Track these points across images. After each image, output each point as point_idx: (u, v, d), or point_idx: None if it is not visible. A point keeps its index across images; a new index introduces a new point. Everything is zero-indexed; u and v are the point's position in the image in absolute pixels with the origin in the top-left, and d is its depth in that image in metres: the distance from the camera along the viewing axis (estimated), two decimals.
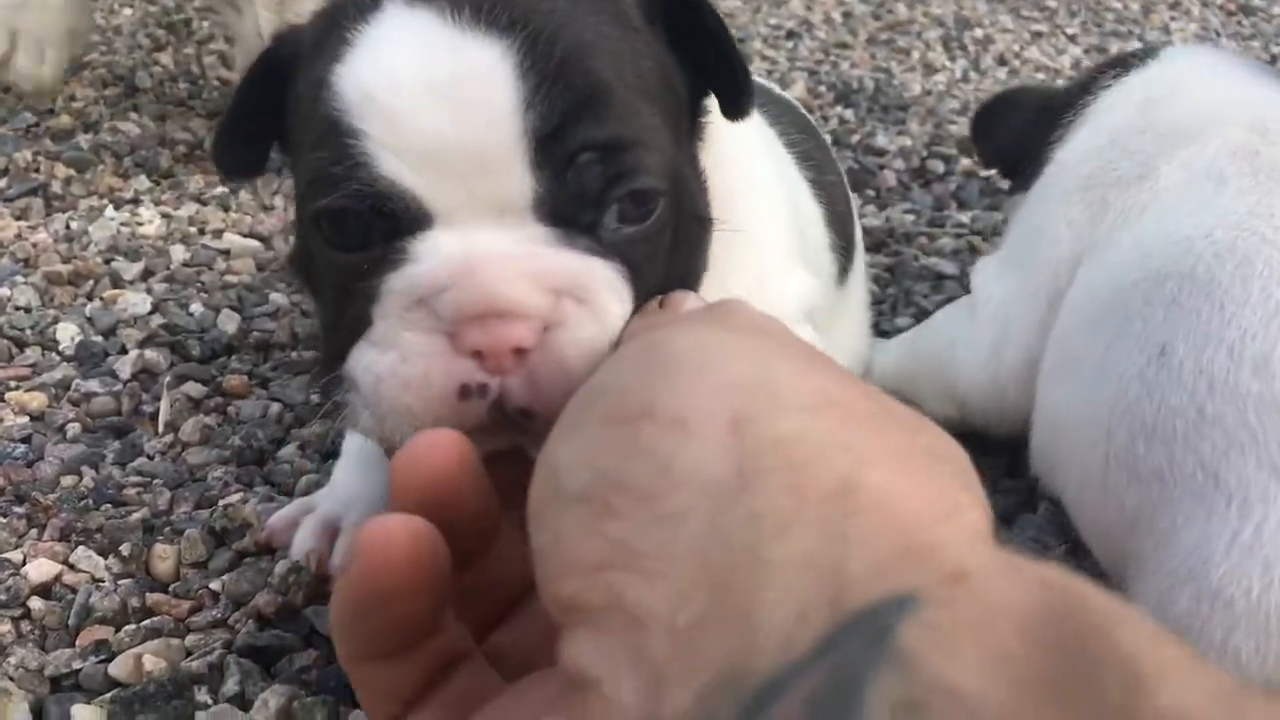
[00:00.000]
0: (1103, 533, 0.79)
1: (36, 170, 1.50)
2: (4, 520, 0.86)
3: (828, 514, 0.34)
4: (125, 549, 0.83)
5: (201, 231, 1.36)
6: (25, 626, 0.78)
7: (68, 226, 1.35)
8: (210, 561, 0.83)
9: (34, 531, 0.86)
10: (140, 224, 1.36)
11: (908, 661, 0.29)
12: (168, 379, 1.06)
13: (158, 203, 1.43)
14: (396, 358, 0.54)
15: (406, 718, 0.49)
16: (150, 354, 1.09)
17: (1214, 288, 0.74)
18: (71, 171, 1.51)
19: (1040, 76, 2.04)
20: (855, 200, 1.48)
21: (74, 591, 0.80)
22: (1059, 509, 0.86)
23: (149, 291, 1.21)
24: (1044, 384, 0.90)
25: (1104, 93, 1.06)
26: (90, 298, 1.20)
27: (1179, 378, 0.73)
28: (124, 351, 1.10)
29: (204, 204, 1.43)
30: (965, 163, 1.62)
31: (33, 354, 1.10)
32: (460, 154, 0.54)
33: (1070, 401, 0.84)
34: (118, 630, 0.76)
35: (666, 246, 0.60)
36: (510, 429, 0.54)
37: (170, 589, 0.80)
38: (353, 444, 0.86)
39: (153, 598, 0.79)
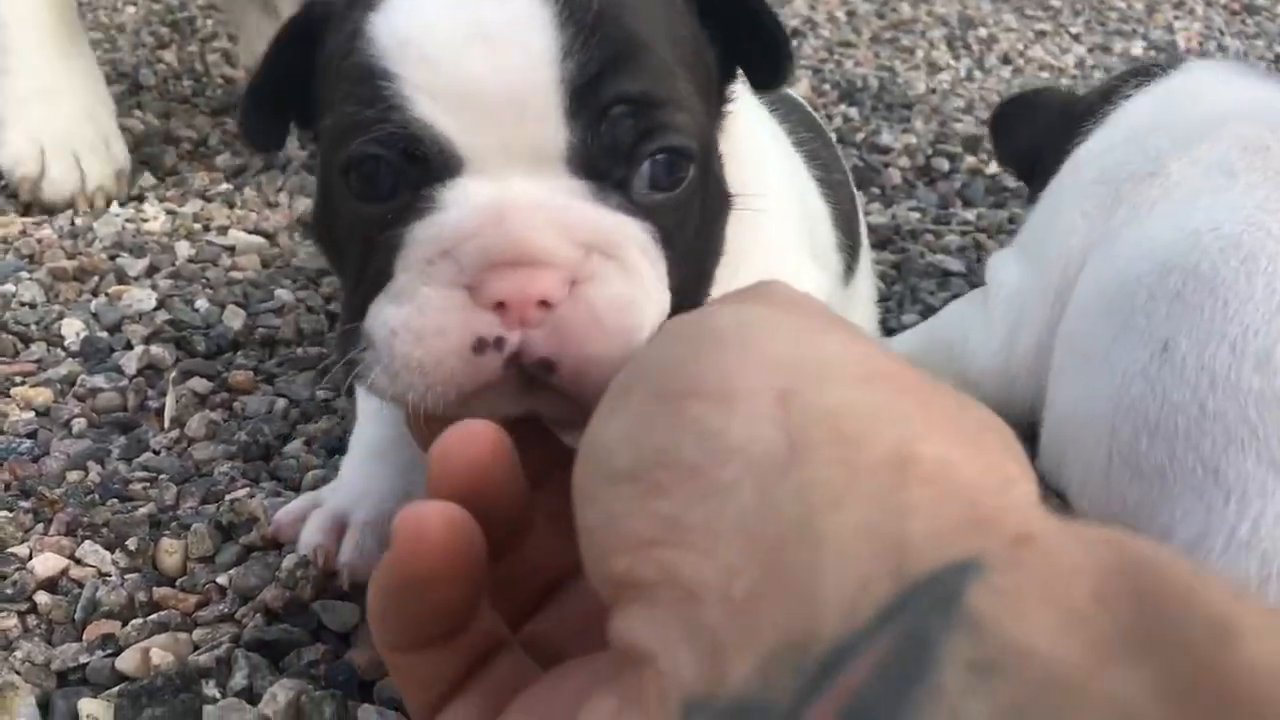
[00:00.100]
0: None
1: None
2: (10, 515, 0.86)
3: (883, 485, 0.34)
4: (132, 543, 0.82)
5: (206, 228, 1.36)
6: (32, 621, 0.78)
7: (72, 223, 1.35)
8: (217, 556, 0.82)
9: (40, 526, 0.86)
10: (145, 220, 1.36)
11: (979, 624, 0.29)
12: (173, 375, 1.06)
13: (162, 199, 1.43)
14: (413, 311, 0.53)
15: (445, 707, 0.49)
16: (156, 350, 1.09)
17: (1218, 283, 0.74)
18: None
19: (1044, 75, 2.04)
20: (861, 198, 1.48)
21: (80, 586, 0.80)
22: (1065, 504, 0.86)
23: (154, 288, 1.20)
24: (1053, 379, 0.90)
25: (1126, 102, 1.06)
26: (95, 294, 1.20)
27: (1181, 374, 0.73)
28: (129, 347, 1.10)
29: (208, 201, 1.43)
30: (970, 160, 1.62)
31: (38, 349, 1.10)
32: (496, 98, 0.54)
33: (1075, 397, 0.84)
34: (124, 624, 0.76)
35: (695, 219, 0.59)
36: (524, 390, 0.53)
37: (177, 583, 0.80)
38: (360, 439, 0.86)
39: (160, 592, 0.78)
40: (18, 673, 0.72)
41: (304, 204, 1.42)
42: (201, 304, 1.18)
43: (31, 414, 1.01)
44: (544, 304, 0.52)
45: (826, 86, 1.92)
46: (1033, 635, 0.28)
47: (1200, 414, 0.71)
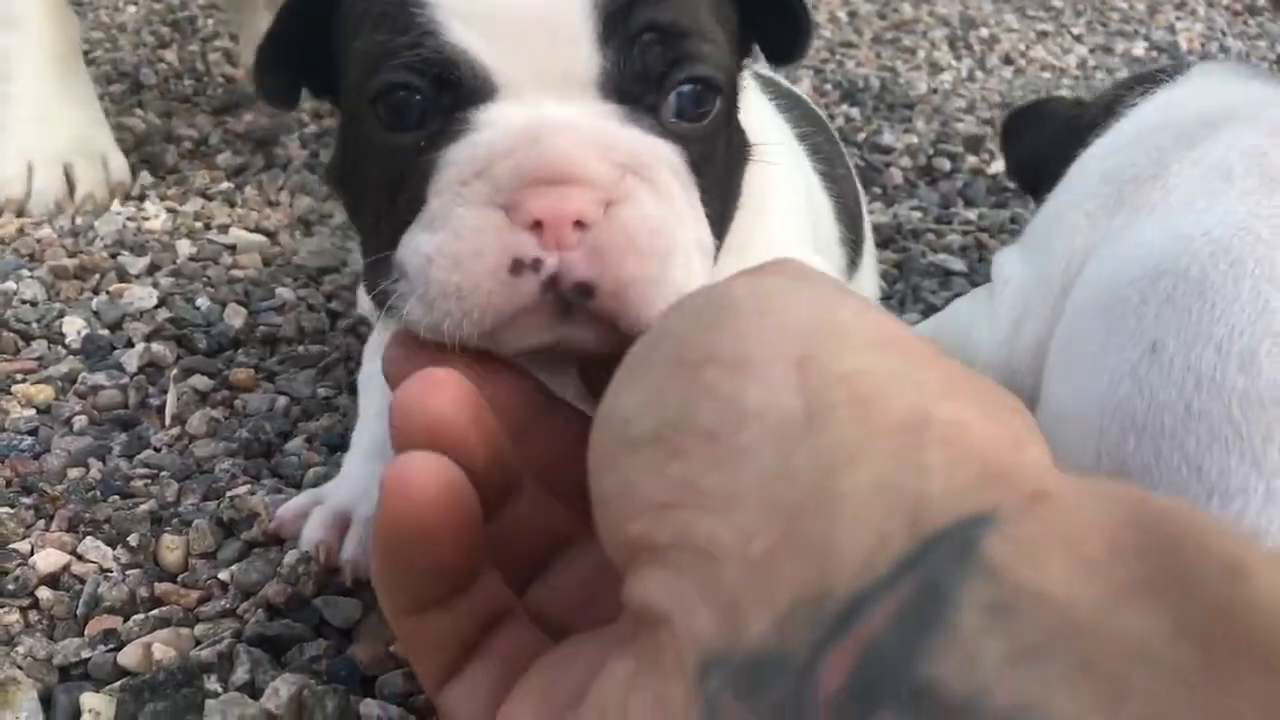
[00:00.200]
0: None
1: None
2: (12, 511, 0.86)
3: (900, 444, 0.34)
4: (133, 539, 0.82)
5: (207, 226, 1.36)
6: (34, 616, 0.78)
7: (73, 221, 1.35)
8: (219, 552, 0.82)
9: (42, 522, 0.86)
10: (146, 219, 1.36)
11: (995, 570, 0.29)
12: (174, 372, 1.05)
13: (163, 198, 1.43)
14: (448, 235, 0.53)
15: (454, 677, 0.49)
16: (157, 347, 1.08)
17: (1206, 286, 0.75)
18: None
19: (1046, 76, 2.04)
20: (863, 197, 1.48)
21: (82, 582, 0.80)
22: None
23: (155, 286, 1.20)
24: (1046, 377, 0.90)
25: (1131, 110, 1.06)
26: (96, 292, 1.20)
27: (1169, 374, 0.73)
28: (130, 345, 1.10)
29: (209, 199, 1.43)
30: (971, 160, 1.62)
31: (39, 347, 1.10)
32: (529, 23, 0.54)
33: (1066, 396, 0.85)
34: (126, 620, 0.76)
35: (720, 158, 0.59)
36: (558, 318, 0.53)
37: (179, 579, 0.80)
38: (362, 436, 0.86)
39: (161, 587, 0.78)
40: (20, 668, 0.72)
41: (305, 203, 1.42)
42: (203, 302, 1.17)
43: (32, 411, 1.00)
44: (580, 225, 0.52)
45: (828, 86, 1.92)
46: (1048, 580, 0.29)
47: (1186, 413, 0.71)
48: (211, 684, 0.70)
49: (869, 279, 1.11)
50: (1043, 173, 1.10)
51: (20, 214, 1.36)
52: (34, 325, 1.13)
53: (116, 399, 1.03)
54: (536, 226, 0.51)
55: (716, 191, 0.61)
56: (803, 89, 1.87)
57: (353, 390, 0.98)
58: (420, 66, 0.55)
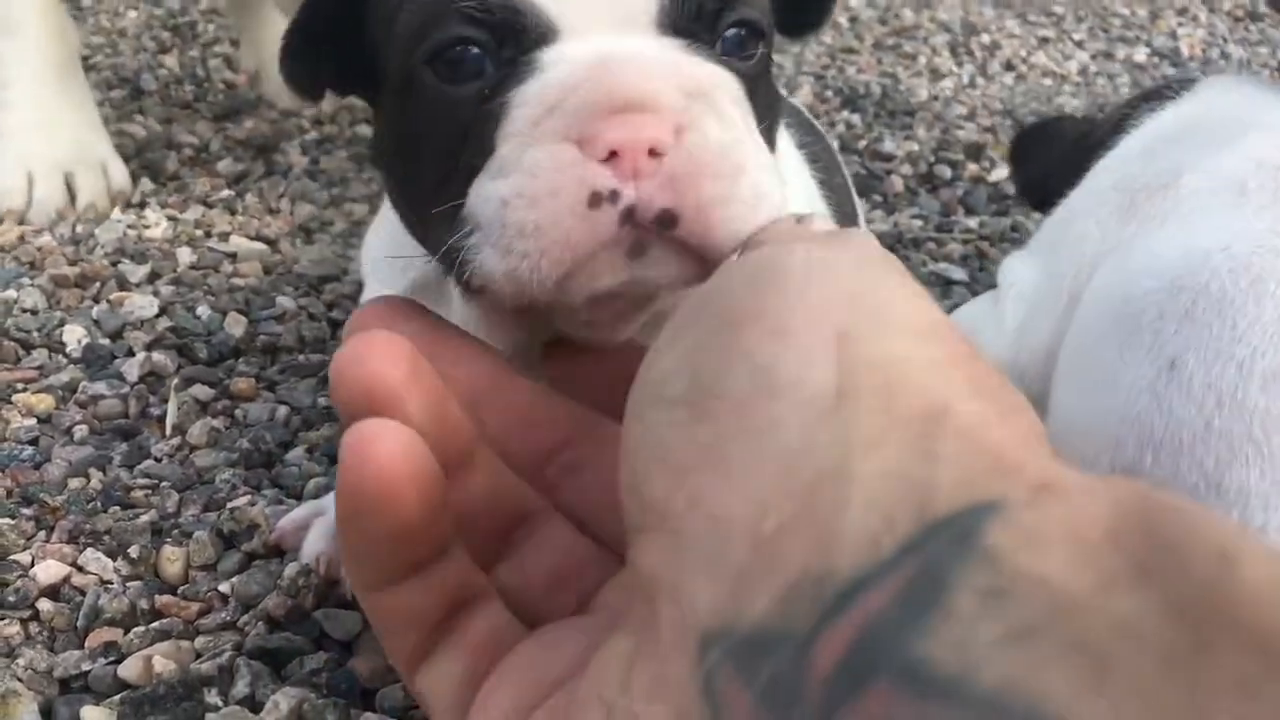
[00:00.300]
0: None
1: None
2: (12, 522, 0.85)
3: (917, 434, 0.35)
4: (134, 551, 0.82)
5: (208, 234, 1.36)
6: (34, 628, 0.78)
7: (74, 229, 1.34)
8: (219, 564, 0.82)
9: (42, 534, 0.86)
10: (147, 227, 1.36)
11: (994, 556, 0.30)
12: (175, 382, 1.05)
13: (164, 205, 1.43)
14: (522, 176, 0.52)
15: (427, 659, 0.49)
16: (157, 356, 1.08)
17: (1226, 304, 0.74)
18: None
19: (1047, 82, 2.04)
20: (863, 205, 1.48)
21: (82, 593, 0.80)
22: None
23: (156, 294, 1.20)
24: (1055, 386, 0.90)
25: (1137, 130, 1.06)
26: (97, 300, 1.20)
27: (1188, 391, 0.73)
28: (131, 354, 1.10)
29: (210, 207, 1.43)
30: (972, 168, 1.62)
31: (39, 356, 1.10)
32: None
33: (1079, 408, 0.84)
34: (126, 632, 0.76)
35: (761, 103, 0.60)
36: (633, 255, 0.52)
37: (179, 591, 0.80)
38: None
39: (161, 600, 0.78)
40: (20, 680, 0.72)
41: (306, 210, 1.42)
42: (203, 311, 1.17)
43: (33, 421, 1.00)
44: (654, 154, 0.51)
45: (829, 93, 1.92)
46: (1046, 566, 0.30)
47: (1205, 431, 0.71)
48: (212, 697, 0.70)
49: None
50: (1052, 192, 1.10)
51: (21, 222, 1.36)
52: (34, 334, 1.13)
53: (117, 408, 1.03)
54: (612, 158, 0.51)
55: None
56: (803, 95, 1.87)
57: None
58: (481, 18, 0.55)
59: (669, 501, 0.38)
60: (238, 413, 1.03)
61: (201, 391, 1.05)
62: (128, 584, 0.80)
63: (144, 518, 0.87)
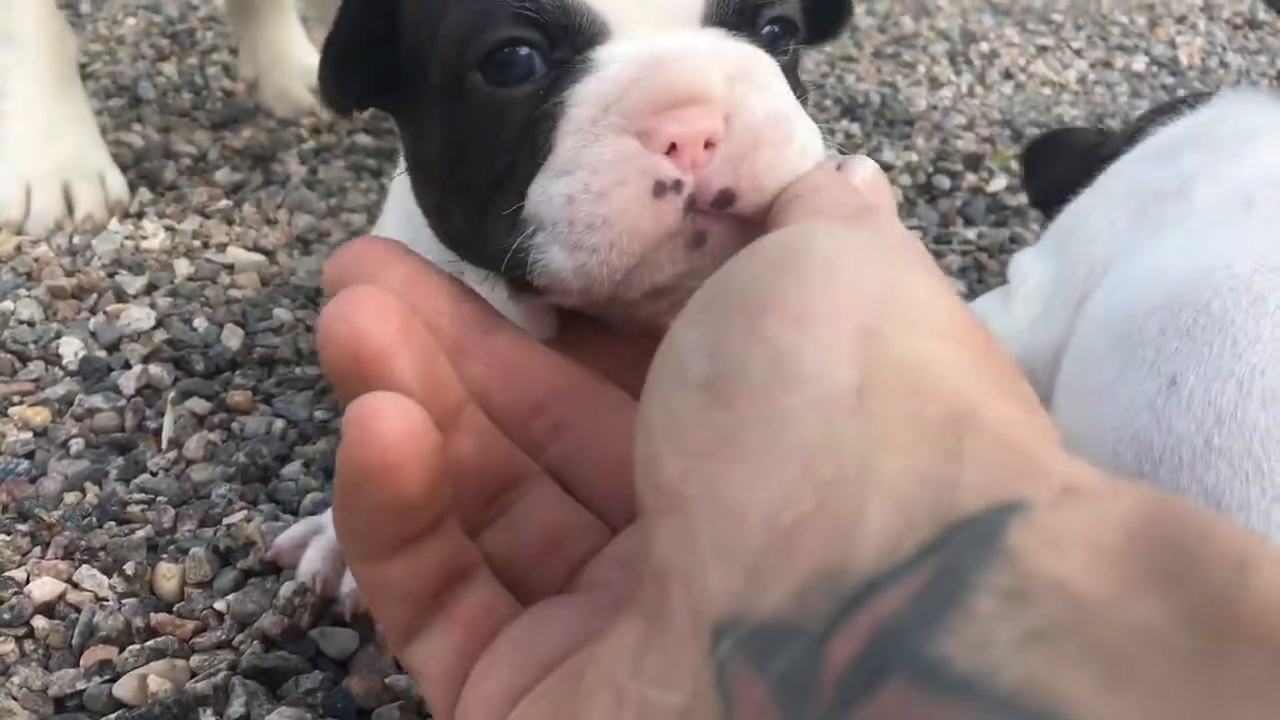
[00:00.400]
0: None
1: None
2: (7, 538, 0.85)
3: (942, 433, 0.34)
4: (129, 568, 0.82)
5: (205, 245, 1.35)
6: (29, 646, 0.77)
7: (71, 240, 1.34)
8: (215, 581, 0.82)
9: (37, 549, 0.86)
10: (144, 238, 1.36)
11: (1015, 557, 0.30)
12: (171, 395, 1.05)
13: (161, 215, 1.43)
14: (586, 173, 0.53)
15: (419, 633, 0.48)
16: (154, 369, 1.08)
17: (1227, 322, 0.75)
18: None
19: (1046, 91, 2.04)
20: None
21: (78, 611, 0.80)
22: None
23: (153, 306, 1.20)
24: (1056, 394, 0.90)
25: (1154, 135, 1.07)
26: (94, 312, 1.20)
27: (1188, 408, 0.74)
28: (128, 367, 1.10)
29: (207, 217, 1.43)
30: (971, 178, 1.62)
31: (36, 369, 1.10)
32: None
33: (1078, 419, 0.85)
34: (122, 650, 0.76)
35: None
36: (692, 245, 0.54)
37: (175, 609, 0.80)
38: None
39: (157, 618, 0.78)
40: (15, 699, 0.72)
41: (303, 221, 1.41)
42: (200, 323, 1.17)
43: (29, 434, 1.00)
44: (708, 144, 0.53)
45: (828, 102, 1.92)
46: (1066, 569, 0.29)
47: (1205, 447, 0.72)
48: (207, 717, 0.70)
49: None
50: (1064, 203, 1.11)
51: (18, 233, 1.36)
52: (31, 346, 1.12)
53: (113, 422, 1.02)
54: (671, 150, 0.53)
55: None
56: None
57: None
58: (533, 19, 0.56)
59: (683, 485, 0.37)
60: (234, 426, 1.03)
61: (198, 405, 1.04)
62: (123, 601, 0.80)
63: (140, 533, 0.86)
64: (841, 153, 1.45)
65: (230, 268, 1.30)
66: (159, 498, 0.92)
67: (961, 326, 0.40)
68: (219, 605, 0.79)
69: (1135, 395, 0.77)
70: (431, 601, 0.48)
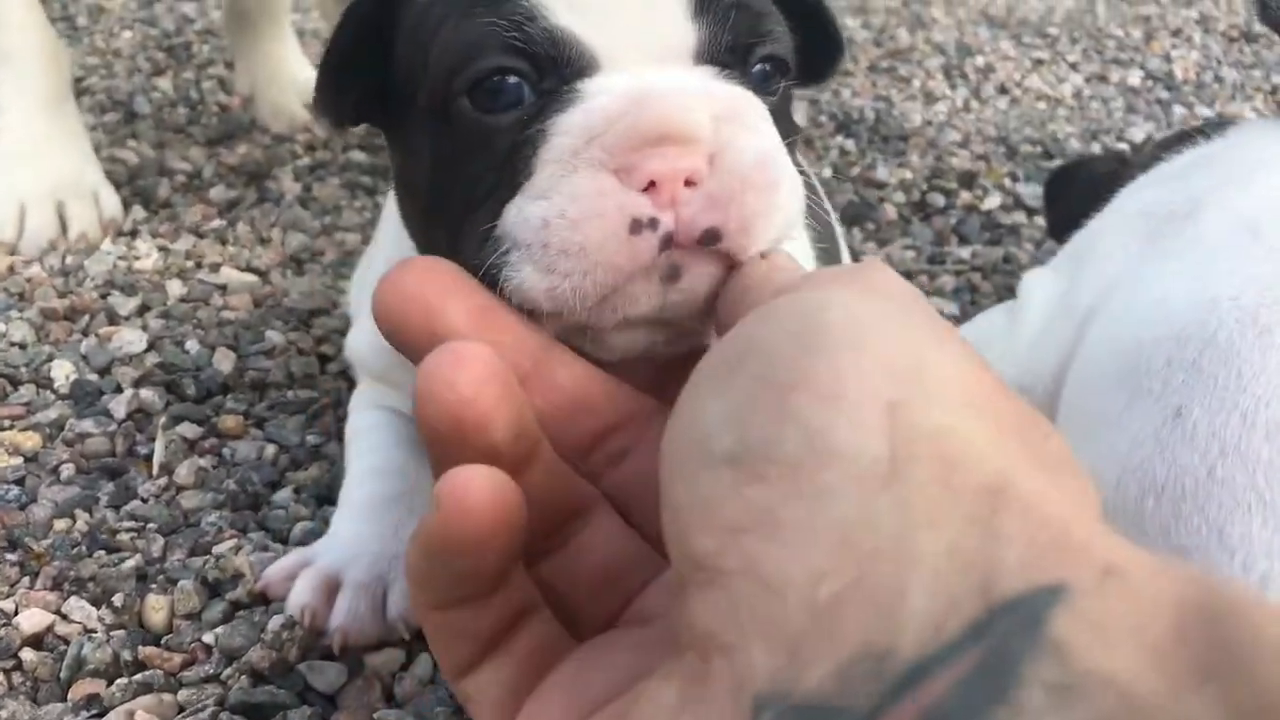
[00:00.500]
0: None
1: None
2: None
3: (978, 509, 0.35)
4: (118, 599, 0.82)
5: (198, 265, 1.35)
6: (17, 678, 0.77)
7: (64, 260, 1.34)
8: (204, 613, 0.82)
9: (26, 580, 0.85)
10: (137, 258, 1.35)
11: (1062, 649, 0.30)
12: (162, 420, 1.05)
13: (155, 235, 1.42)
14: (563, 201, 0.54)
15: (475, 669, 0.49)
16: (145, 393, 1.08)
17: (1233, 354, 0.75)
18: None
19: (1041, 106, 2.04)
20: (856, 235, 1.48)
21: (66, 643, 0.80)
22: None
23: (145, 328, 1.20)
24: (1058, 420, 0.90)
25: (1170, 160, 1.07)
26: (86, 334, 1.20)
27: (1192, 440, 0.74)
28: (119, 390, 1.10)
29: (201, 237, 1.42)
30: (965, 196, 1.62)
31: (27, 392, 1.09)
32: (633, 2, 0.58)
33: (1081, 448, 0.85)
34: (110, 684, 0.76)
35: (781, 130, 0.62)
36: (666, 281, 0.54)
37: (163, 641, 0.80)
38: (350, 498, 0.86)
39: (145, 651, 0.78)
40: None
41: (297, 240, 1.41)
42: (192, 345, 1.17)
43: (20, 460, 1.00)
44: (689, 183, 0.54)
45: (823, 118, 1.92)
46: (1114, 664, 0.30)
47: (1209, 478, 0.72)
48: None
49: None
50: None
51: (12, 253, 1.36)
52: (22, 369, 1.12)
53: (104, 447, 1.02)
54: (650, 187, 0.53)
55: None
56: (797, 120, 1.86)
57: (342, 438, 0.98)
58: (523, 48, 0.57)
59: (720, 559, 0.37)
60: (225, 451, 1.02)
61: (189, 429, 1.04)
62: (111, 633, 0.80)
63: (129, 563, 0.86)
64: (835, 171, 1.45)
65: (223, 288, 1.30)
66: (149, 525, 0.92)
67: (987, 394, 0.40)
68: (207, 638, 0.79)
69: (1140, 427, 0.77)
70: (493, 643, 0.49)
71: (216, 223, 1.46)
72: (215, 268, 1.34)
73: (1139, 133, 1.90)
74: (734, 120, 0.56)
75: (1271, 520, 0.69)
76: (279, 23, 1.85)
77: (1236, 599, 0.31)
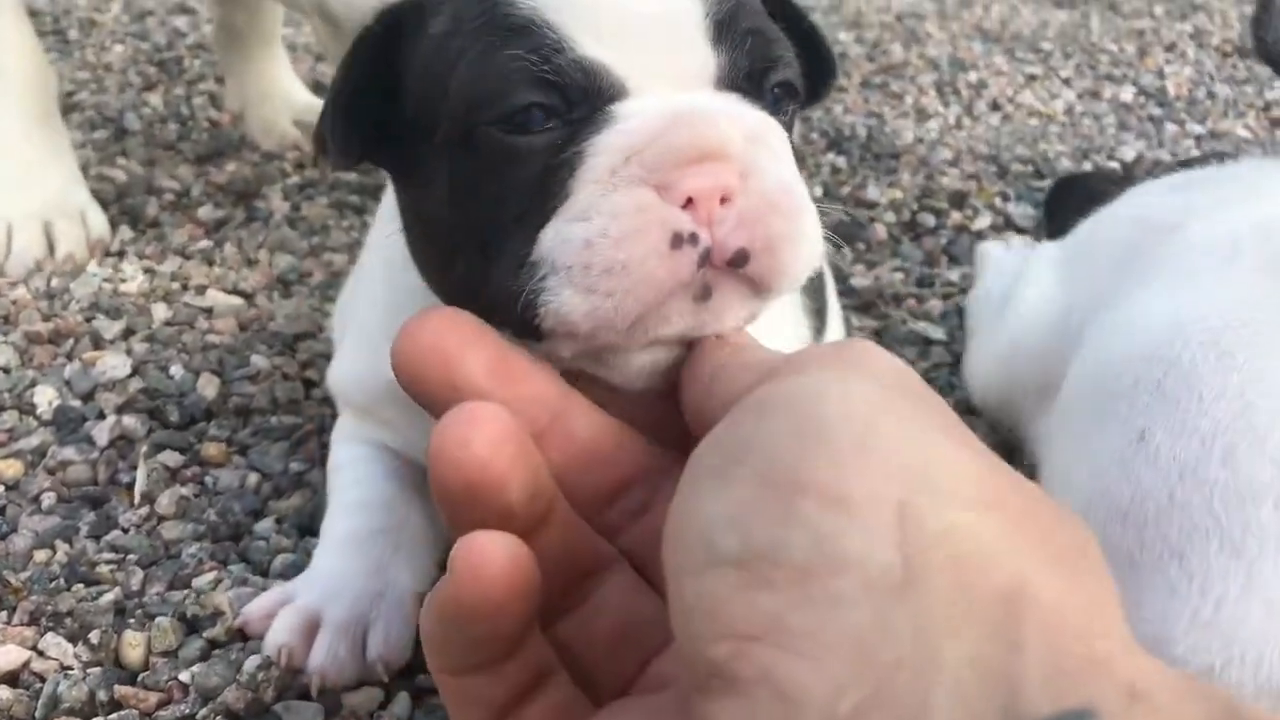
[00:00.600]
0: None
1: None
2: None
3: (998, 617, 0.34)
4: (95, 636, 0.81)
5: (184, 288, 1.35)
6: None
7: (49, 283, 1.34)
8: (181, 650, 0.81)
9: (4, 614, 0.85)
10: (123, 280, 1.35)
11: None
12: (144, 449, 1.05)
13: (141, 256, 1.42)
14: (605, 220, 0.54)
15: None
16: (128, 420, 1.08)
17: (1195, 377, 0.76)
18: None
19: (1033, 122, 2.04)
20: (846, 255, 1.47)
21: (42, 680, 0.79)
22: None
23: (129, 352, 1.19)
24: (1052, 441, 0.91)
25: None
26: (70, 357, 1.19)
27: (1155, 463, 0.74)
28: (102, 417, 1.09)
29: (188, 258, 1.42)
30: (956, 216, 1.62)
31: (10, 418, 1.09)
32: (653, 30, 0.59)
33: (1062, 469, 0.85)
34: None
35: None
36: (699, 299, 0.55)
37: (139, 679, 0.79)
38: (332, 532, 0.85)
39: (121, 690, 0.78)
40: None
41: (284, 261, 1.41)
42: (176, 370, 1.17)
43: (1, 488, 1.00)
44: (724, 200, 0.54)
45: (815, 135, 1.92)
46: None
47: (1169, 502, 0.73)
48: None
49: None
50: None
51: None
52: (5, 395, 1.12)
53: (86, 474, 1.02)
54: (688, 204, 0.54)
55: None
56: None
57: (325, 464, 0.98)
58: (553, 82, 0.57)
59: (735, 668, 0.37)
60: (207, 479, 1.02)
61: (171, 458, 1.04)
62: (88, 670, 0.80)
63: (107, 596, 0.86)
64: (826, 190, 1.45)
65: (209, 311, 1.29)
66: (129, 557, 0.91)
67: (996, 489, 0.40)
68: (183, 676, 0.79)
69: (1107, 451, 0.78)
70: (509, 708, 0.49)
71: (204, 243, 1.46)
72: (201, 290, 1.34)
73: (1130, 151, 1.90)
74: (760, 141, 0.57)
75: (1227, 545, 0.69)
76: (270, 39, 1.85)
77: (1255, 715, 0.31)
